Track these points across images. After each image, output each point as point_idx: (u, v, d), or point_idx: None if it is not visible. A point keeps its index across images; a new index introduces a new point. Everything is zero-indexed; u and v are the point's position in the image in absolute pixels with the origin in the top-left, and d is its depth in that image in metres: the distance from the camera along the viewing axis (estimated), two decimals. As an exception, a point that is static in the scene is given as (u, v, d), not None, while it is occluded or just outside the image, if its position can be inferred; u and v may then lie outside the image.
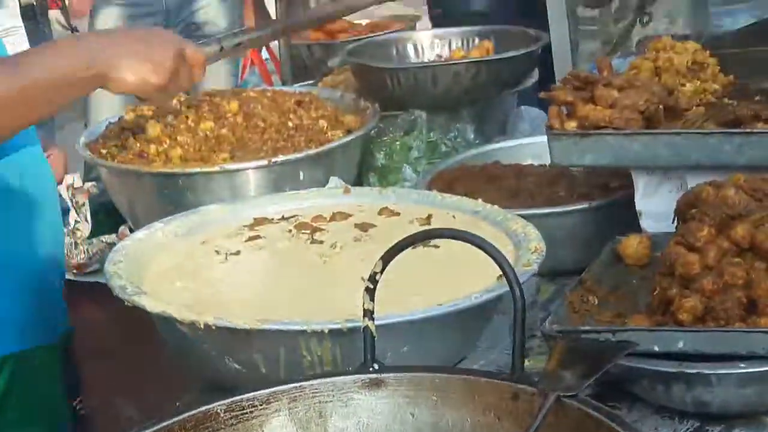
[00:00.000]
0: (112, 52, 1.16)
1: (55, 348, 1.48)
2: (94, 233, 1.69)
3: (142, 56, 1.17)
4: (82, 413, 1.62)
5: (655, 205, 1.42)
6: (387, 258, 0.99)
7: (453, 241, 1.31)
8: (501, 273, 0.93)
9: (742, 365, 1.06)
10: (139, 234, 1.39)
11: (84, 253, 1.66)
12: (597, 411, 0.86)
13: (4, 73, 1.13)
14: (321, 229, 1.39)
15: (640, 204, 1.44)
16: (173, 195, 1.61)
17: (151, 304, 1.10)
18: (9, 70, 1.14)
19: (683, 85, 1.55)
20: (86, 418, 1.59)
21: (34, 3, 2.68)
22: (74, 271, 1.65)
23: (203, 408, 0.92)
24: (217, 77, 2.93)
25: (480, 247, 0.94)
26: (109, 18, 2.85)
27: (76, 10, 2.94)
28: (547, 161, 1.56)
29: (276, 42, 3.29)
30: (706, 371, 1.08)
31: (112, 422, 1.33)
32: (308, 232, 1.39)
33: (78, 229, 1.69)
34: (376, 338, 0.99)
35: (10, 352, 1.39)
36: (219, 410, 0.92)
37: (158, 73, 1.17)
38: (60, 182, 1.75)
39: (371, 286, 0.98)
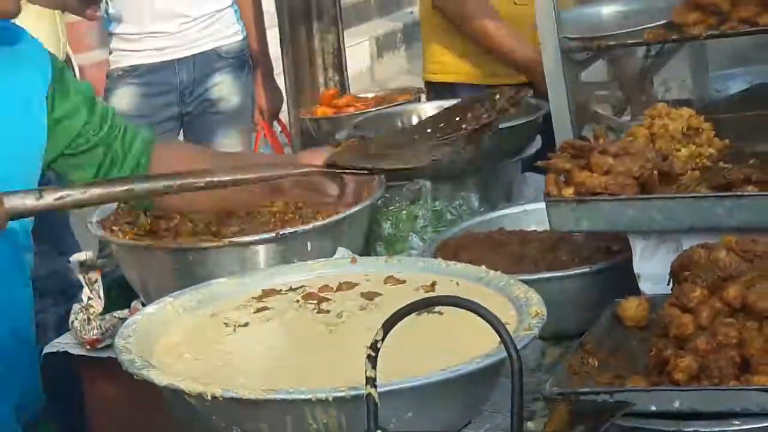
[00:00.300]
0: None
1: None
2: (107, 309, 1.73)
3: None
4: None
5: (652, 267, 1.44)
6: (388, 326, 1.02)
7: (453, 309, 1.39)
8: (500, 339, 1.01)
9: (737, 422, 1.09)
10: (150, 309, 1.42)
11: (97, 328, 1.69)
12: None
13: None
14: (327, 299, 1.42)
15: (638, 267, 1.46)
16: (184, 269, 1.65)
17: (159, 377, 1.13)
18: None
19: (678, 150, 1.59)
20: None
21: None
22: (87, 346, 1.69)
23: None
24: (229, 148, 2.98)
25: (477, 313, 0.97)
26: (124, 97, 2.89)
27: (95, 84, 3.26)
28: (548, 228, 1.64)
29: (287, 115, 3.49)
30: (703, 429, 1.11)
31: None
32: (315, 302, 1.42)
33: (91, 306, 1.73)
34: (379, 405, 1.00)
35: None
36: None
37: None
38: None
39: (373, 354, 1.01)
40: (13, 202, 1.11)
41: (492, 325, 0.98)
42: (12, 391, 1.52)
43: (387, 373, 1.06)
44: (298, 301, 1.46)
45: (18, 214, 1.13)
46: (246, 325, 1.40)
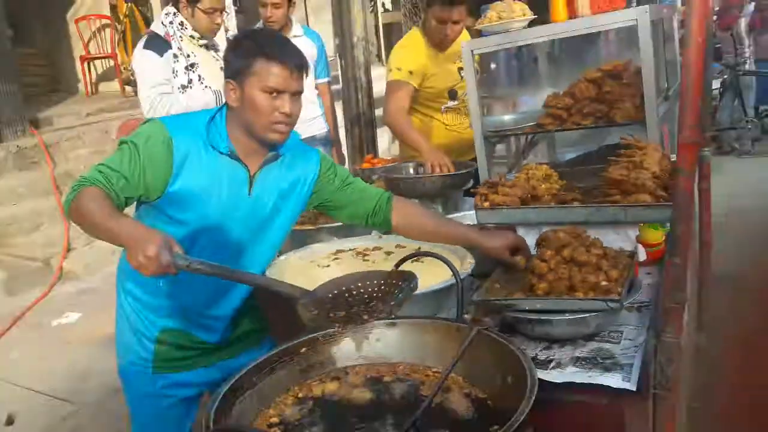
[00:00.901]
0: (127, 229, 1.39)
1: None
2: None
3: (135, 235, 1.36)
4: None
5: (527, 242, 1.85)
6: (397, 265, 1.58)
7: (430, 260, 1.76)
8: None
9: (567, 315, 1.55)
10: (282, 258, 2.06)
11: None
12: (497, 335, 1.39)
13: (99, 209, 1.45)
14: (367, 254, 2.07)
15: None
16: (298, 240, 2.25)
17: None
18: (103, 209, 1.45)
19: (540, 185, 2.00)
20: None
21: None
22: None
23: (309, 336, 1.52)
24: None
25: (441, 259, 1.56)
26: None
27: None
28: (476, 222, 2.06)
29: (347, 167, 4.35)
30: (551, 318, 1.53)
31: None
32: (361, 255, 2.05)
33: None
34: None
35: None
36: (318, 337, 1.51)
37: (141, 248, 1.33)
38: None
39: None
40: (179, 262, 1.34)
41: (448, 265, 1.54)
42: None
43: None
44: (353, 255, 2.08)
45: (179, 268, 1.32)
46: (328, 266, 2.02)
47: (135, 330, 1.79)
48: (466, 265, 1.79)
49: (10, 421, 3.27)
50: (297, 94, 1.61)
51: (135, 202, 1.66)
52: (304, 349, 1.48)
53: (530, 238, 1.82)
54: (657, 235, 1.95)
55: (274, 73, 1.57)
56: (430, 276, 1.71)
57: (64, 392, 3.48)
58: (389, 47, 12.55)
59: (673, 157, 1.60)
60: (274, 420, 1.30)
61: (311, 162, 1.79)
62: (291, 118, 1.61)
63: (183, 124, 1.64)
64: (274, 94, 1.57)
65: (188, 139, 1.61)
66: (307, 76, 1.64)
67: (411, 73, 3.01)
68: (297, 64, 1.59)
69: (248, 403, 1.33)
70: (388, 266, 1.53)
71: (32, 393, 3.54)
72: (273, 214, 1.74)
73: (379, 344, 1.54)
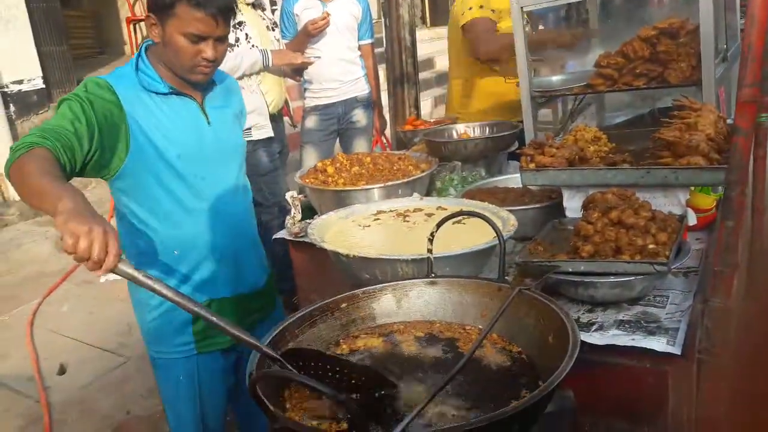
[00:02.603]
0: (66, 202, 1.20)
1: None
2: (303, 218, 2.39)
3: (71, 214, 1.18)
4: (296, 302, 2.35)
5: (573, 204, 1.88)
6: (438, 225, 1.55)
7: (473, 222, 1.80)
8: (495, 234, 1.46)
9: (612, 278, 1.55)
10: (323, 217, 2.06)
11: (298, 228, 2.33)
12: (540, 296, 1.37)
13: (47, 174, 1.30)
14: (408, 216, 2.03)
15: (565, 204, 1.90)
16: (339, 200, 2.26)
17: (327, 246, 1.73)
18: (52, 174, 1.30)
19: (588, 147, 1.97)
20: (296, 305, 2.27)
21: (276, 113, 3.62)
22: (293, 236, 2.33)
23: (350, 293, 1.52)
24: (361, 147, 4.16)
25: (484, 219, 1.50)
26: (311, 121, 4.10)
27: (296, 116, 4.18)
28: (520, 185, 2.09)
29: (389, 131, 4.48)
30: (595, 280, 1.56)
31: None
32: (402, 217, 2.01)
33: (295, 216, 2.37)
34: (433, 263, 1.53)
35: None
36: (359, 293, 1.52)
37: (70, 227, 1.15)
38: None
39: (430, 238, 1.54)
40: (122, 268, 1.20)
41: (491, 224, 1.49)
42: (264, 268, 1.97)
43: (437, 249, 1.54)
44: (394, 216, 2.05)
45: (117, 273, 1.18)
46: (369, 226, 2.00)
47: (170, 319, 1.76)
48: (509, 226, 1.77)
49: (62, 371, 3.44)
50: (222, 38, 1.57)
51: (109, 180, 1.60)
52: (344, 305, 1.48)
53: (576, 201, 1.83)
54: (708, 201, 1.92)
55: (196, 19, 1.51)
56: (472, 237, 1.72)
57: (112, 345, 3.63)
58: (434, 8, 12.31)
59: (730, 121, 1.53)
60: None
61: (238, 92, 1.83)
62: (214, 62, 1.58)
63: (115, 76, 1.60)
64: (196, 39, 1.53)
65: (129, 91, 1.58)
66: (234, 18, 1.59)
67: (493, 11, 2.98)
68: (222, 8, 1.53)
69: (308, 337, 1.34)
70: (429, 228, 1.55)
71: (82, 345, 3.70)
72: (234, 137, 1.79)
73: (419, 302, 1.54)
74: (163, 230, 1.70)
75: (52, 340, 3.74)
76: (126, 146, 1.57)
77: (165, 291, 1.16)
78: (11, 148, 1.41)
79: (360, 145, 4.23)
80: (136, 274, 1.17)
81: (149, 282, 1.17)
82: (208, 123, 1.71)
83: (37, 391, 3.18)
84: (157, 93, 1.61)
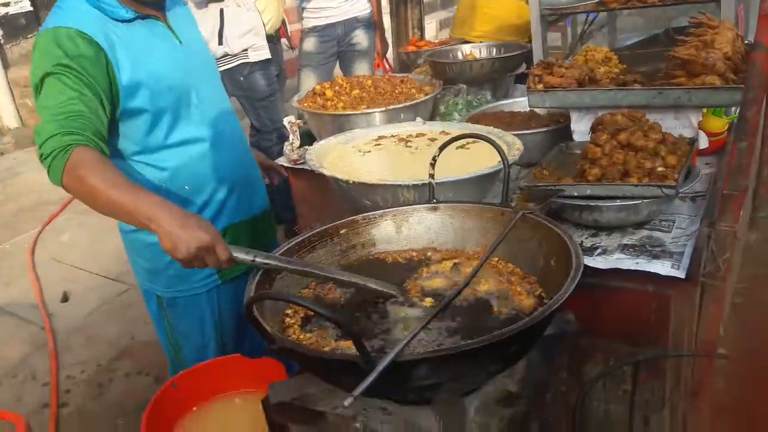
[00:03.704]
0: (162, 223, 1.27)
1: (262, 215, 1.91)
2: (301, 145, 2.36)
3: (173, 237, 1.26)
4: (297, 231, 2.28)
5: (581, 127, 1.85)
6: (441, 148, 1.53)
7: (477, 146, 1.78)
8: (500, 158, 1.45)
9: (618, 201, 1.54)
10: (322, 142, 2.01)
11: (296, 154, 2.32)
12: (543, 219, 1.38)
13: (117, 186, 1.33)
14: (410, 141, 2.00)
15: (573, 127, 1.89)
16: (338, 125, 2.22)
17: (326, 171, 1.71)
18: (121, 185, 1.33)
19: (599, 68, 1.95)
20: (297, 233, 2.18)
21: (273, 34, 3.61)
22: (292, 162, 2.32)
23: (351, 218, 1.53)
24: (361, 70, 4.09)
25: (488, 141, 1.49)
26: (310, 43, 4.00)
27: (294, 39, 4.14)
28: (527, 108, 2.07)
29: (391, 53, 4.28)
30: (600, 204, 1.55)
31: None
32: (404, 142, 1.99)
33: (294, 143, 2.35)
34: (435, 188, 1.52)
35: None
36: (359, 219, 1.53)
37: (181, 252, 1.25)
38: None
39: (432, 162, 1.52)
40: (237, 255, 1.29)
41: (496, 147, 1.48)
42: (264, 187, 1.97)
43: (439, 174, 1.53)
44: (395, 142, 2.02)
45: (240, 263, 1.29)
46: (369, 152, 1.97)
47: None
48: (514, 150, 1.74)
49: (65, 298, 3.49)
50: None
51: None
52: (344, 230, 1.49)
53: (584, 124, 1.79)
54: (720, 124, 1.88)
55: None
56: (476, 162, 1.71)
57: (114, 273, 3.68)
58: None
59: (748, 41, 1.47)
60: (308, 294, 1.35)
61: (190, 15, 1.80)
62: None
63: (74, 18, 1.50)
64: None
65: (98, 31, 1.50)
66: None
67: None
68: None
69: (289, 280, 1.37)
70: (431, 153, 1.53)
71: (84, 273, 3.75)
72: (207, 52, 1.80)
73: (420, 227, 1.54)
74: (168, 168, 1.69)
75: (54, 268, 3.78)
76: (117, 91, 1.53)
77: (286, 264, 1.29)
78: (41, 154, 1.37)
79: (361, 69, 4.13)
80: (250, 257, 1.28)
81: (269, 261, 1.29)
82: (180, 43, 1.68)
83: (41, 318, 3.23)
84: (122, 21, 1.54)
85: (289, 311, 1.29)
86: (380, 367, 0.94)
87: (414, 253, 1.49)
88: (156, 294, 1.83)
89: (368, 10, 4.06)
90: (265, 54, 3.30)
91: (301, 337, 1.23)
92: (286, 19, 3.78)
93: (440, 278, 1.36)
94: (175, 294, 1.83)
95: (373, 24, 4.09)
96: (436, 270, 1.40)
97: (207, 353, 1.87)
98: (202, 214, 1.73)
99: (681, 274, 1.33)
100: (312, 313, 1.26)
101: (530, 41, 2.45)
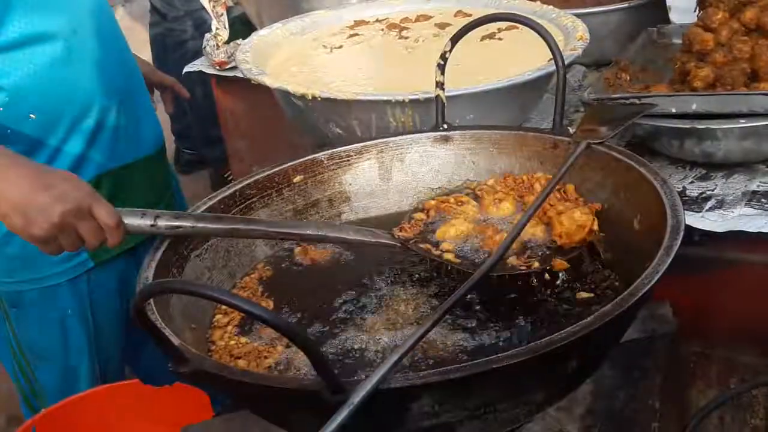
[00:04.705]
0: (5, 193, 1.30)
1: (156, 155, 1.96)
2: (231, 38, 2.34)
3: (23, 207, 1.29)
4: (230, 179, 2.26)
5: (681, 2, 1.82)
6: (455, 38, 1.47)
7: (514, 34, 1.76)
8: (551, 55, 1.39)
9: (743, 121, 1.50)
10: (263, 32, 1.97)
11: (224, 53, 2.31)
12: (620, 153, 1.35)
13: None
14: (407, 28, 1.98)
15: (669, 0, 1.84)
16: (291, 2, 2.15)
17: (271, 81, 1.66)
18: None
19: None
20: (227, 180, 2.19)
21: None
22: (217, 67, 2.32)
23: (311, 156, 1.51)
24: None
25: (531, 27, 1.43)
26: None
27: None
28: None
29: None
30: (714, 126, 1.51)
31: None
32: (397, 30, 1.97)
33: (218, 35, 2.34)
34: (446, 105, 1.50)
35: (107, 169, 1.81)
36: (323, 158, 1.51)
37: (39, 227, 1.28)
38: None
39: (442, 63, 1.48)
40: (131, 220, 1.30)
41: (543, 36, 1.41)
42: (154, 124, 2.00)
43: (452, 84, 1.50)
44: (383, 30, 2.01)
45: (132, 233, 1.31)
46: (341, 47, 1.96)
47: None
48: (575, 42, 1.72)
49: None
50: None
51: None
52: (299, 178, 1.50)
53: None
54: None
55: None
56: (511, 63, 1.73)
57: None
58: None
59: None
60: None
61: None
62: None
63: None
64: None
65: None
66: None
67: None
68: None
69: (209, 262, 1.37)
70: (439, 47, 1.50)
71: None
72: None
73: (422, 170, 1.55)
74: (3, 85, 1.71)
75: None
76: None
77: (210, 225, 1.30)
78: None
79: None
80: (148, 221, 1.29)
81: (181, 224, 1.29)
82: None
83: None
84: None
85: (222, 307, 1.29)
86: (355, 400, 0.90)
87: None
88: None
89: None
90: None
91: (235, 346, 1.22)
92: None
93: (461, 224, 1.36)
94: (18, 287, 1.82)
95: None
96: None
97: (77, 379, 1.86)
98: (59, 158, 1.76)
99: None
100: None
101: None
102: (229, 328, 1.26)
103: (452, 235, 1.32)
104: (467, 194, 1.44)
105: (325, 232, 1.34)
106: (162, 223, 1.26)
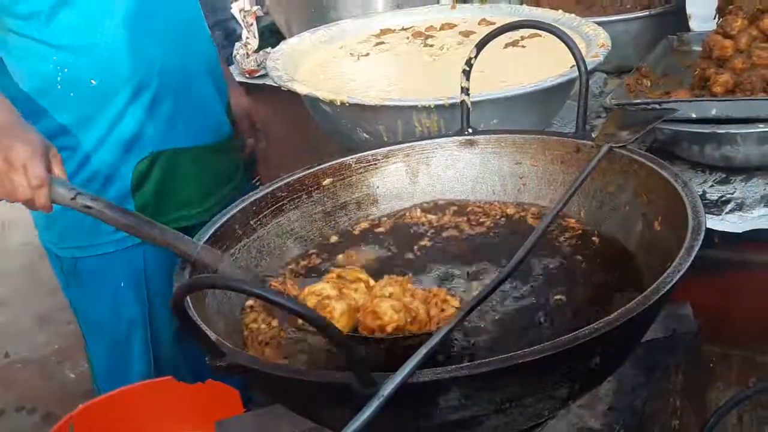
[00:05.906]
0: None
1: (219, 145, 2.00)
2: (261, 47, 2.41)
3: None
4: (259, 185, 2.47)
5: (701, 7, 1.84)
6: (480, 45, 1.49)
7: (536, 42, 1.78)
8: (574, 63, 1.41)
9: (762, 126, 1.51)
10: (292, 41, 2.01)
11: (254, 62, 2.38)
12: (641, 156, 1.36)
13: None
14: (432, 36, 2.01)
15: (690, 8, 1.87)
16: (319, 12, 2.21)
17: (301, 88, 1.69)
18: None
19: None
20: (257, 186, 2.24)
21: None
22: (247, 75, 2.38)
23: (339, 160, 1.53)
24: None
25: (554, 34, 1.44)
26: None
27: None
28: None
29: None
30: (734, 131, 1.53)
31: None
32: (422, 38, 2.01)
33: (248, 44, 2.41)
34: (471, 110, 1.51)
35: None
36: (351, 162, 1.54)
37: None
38: None
39: (467, 69, 1.50)
40: (56, 189, 1.33)
41: (566, 43, 1.43)
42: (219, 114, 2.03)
43: (477, 90, 1.52)
44: (408, 38, 2.05)
45: (55, 202, 1.34)
46: (367, 55, 2.00)
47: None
48: (597, 48, 1.74)
49: None
50: None
51: None
52: (328, 181, 1.52)
53: (708, 4, 1.83)
54: None
55: None
56: (535, 70, 1.74)
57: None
58: None
59: None
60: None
61: None
62: None
63: None
64: None
65: None
66: None
67: None
68: None
69: (245, 259, 1.38)
70: (464, 55, 1.51)
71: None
72: None
73: (447, 174, 1.56)
74: (67, 46, 1.74)
75: None
76: None
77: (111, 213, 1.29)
78: None
79: None
80: (70, 194, 1.31)
81: (93, 205, 1.29)
82: None
83: None
84: None
85: (251, 301, 1.31)
86: (385, 393, 0.91)
87: (433, 217, 1.51)
88: (55, 254, 1.87)
89: None
90: None
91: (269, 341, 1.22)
92: None
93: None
94: (72, 253, 1.84)
95: None
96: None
97: (129, 358, 1.88)
98: (116, 129, 1.81)
99: None
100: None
101: None
102: (262, 324, 1.28)
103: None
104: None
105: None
106: (80, 200, 1.29)
